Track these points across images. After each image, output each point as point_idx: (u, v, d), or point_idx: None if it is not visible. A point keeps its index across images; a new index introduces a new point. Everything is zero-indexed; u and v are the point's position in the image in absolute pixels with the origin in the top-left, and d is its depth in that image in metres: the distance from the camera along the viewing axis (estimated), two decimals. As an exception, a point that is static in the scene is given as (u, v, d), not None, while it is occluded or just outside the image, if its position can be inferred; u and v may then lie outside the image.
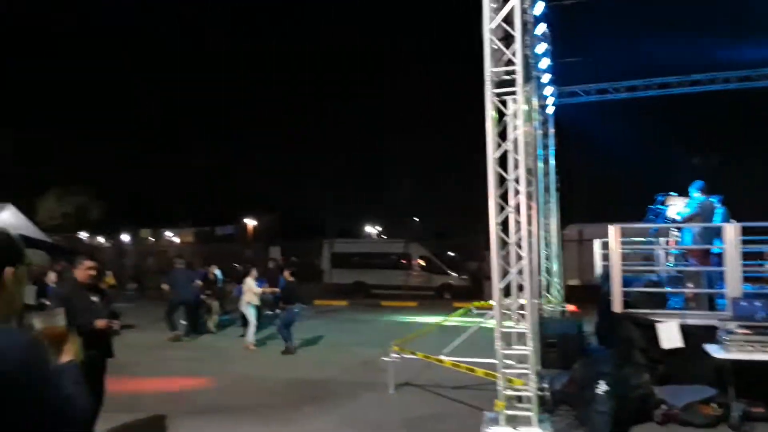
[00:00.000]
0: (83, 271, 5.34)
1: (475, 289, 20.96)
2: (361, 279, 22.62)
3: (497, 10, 5.38)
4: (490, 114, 5.45)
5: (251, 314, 11.23)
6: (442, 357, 7.32)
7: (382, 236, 40.81)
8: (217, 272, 14.38)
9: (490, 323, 6.73)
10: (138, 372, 8.60)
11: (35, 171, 31.32)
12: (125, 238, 34.94)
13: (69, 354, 1.85)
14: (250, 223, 32.77)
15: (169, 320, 12.30)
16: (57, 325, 1.89)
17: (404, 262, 22.88)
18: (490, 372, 5.92)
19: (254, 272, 11.78)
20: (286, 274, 11.22)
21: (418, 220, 38.02)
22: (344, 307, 19.52)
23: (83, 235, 32.93)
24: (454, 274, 22.64)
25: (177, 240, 37.94)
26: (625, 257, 7.50)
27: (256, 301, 11.42)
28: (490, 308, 10.10)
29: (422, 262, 22.99)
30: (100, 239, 34.52)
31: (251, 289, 11.45)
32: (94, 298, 5.32)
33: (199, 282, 12.76)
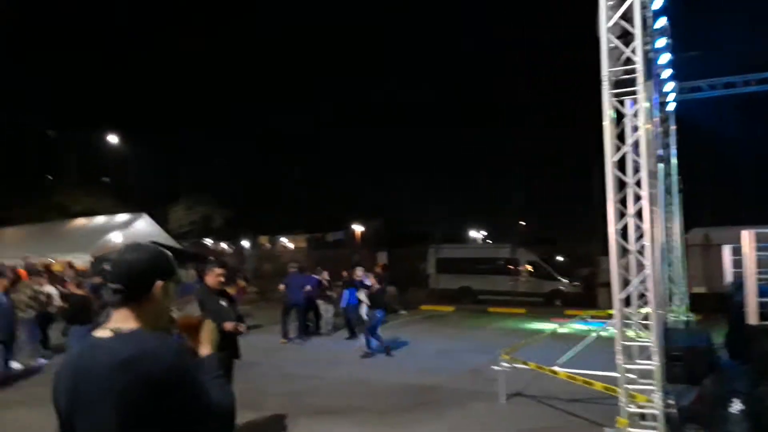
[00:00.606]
0: (214, 277, 5.77)
1: (588, 297, 20.07)
2: (467, 284, 22.41)
3: (614, 8, 5.15)
4: (608, 115, 5.22)
5: (369, 318, 11.45)
6: (556, 368, 7.09)
7: (488, 241, 40.19)
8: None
9: (609, 332, 6.43)
10: (259, 372, 9.10)
11: (168, 183, 34.34)
12: (245, 243, 37.27)
13: (208, 345, 1.95)
14: (358, 228, 33.60)
15: (283, 324, 13.00)
16: (192, 314, 2.03)
17: (511, 267, 22.37)
18: (610, 386, 5.66)
19: (372, 279, 11.99)
20: (373, 280, 11.54)
21: (524, 223, 37.03)
22: (450, 312, 19.45)
23: (208, 241, 35.49)
24: (564, 280, 21.80)
25: (291, 245, 39.81)
26: (760, 264, 6.86)
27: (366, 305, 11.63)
28: (606, 317, 9.67)
29: (530, 268, 22.35)
30: (223, 245, 37.07)
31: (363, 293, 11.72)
32: (223, 303, 5.73)
33: (308, 287, 13.33)
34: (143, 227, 19.92)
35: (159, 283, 1.79)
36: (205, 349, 1.94)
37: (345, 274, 14.46)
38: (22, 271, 14.63)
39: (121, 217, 21.00)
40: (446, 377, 9.03)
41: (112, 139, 28.64)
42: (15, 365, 9.63)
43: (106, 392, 1.60)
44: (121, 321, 1.74)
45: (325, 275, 14.55)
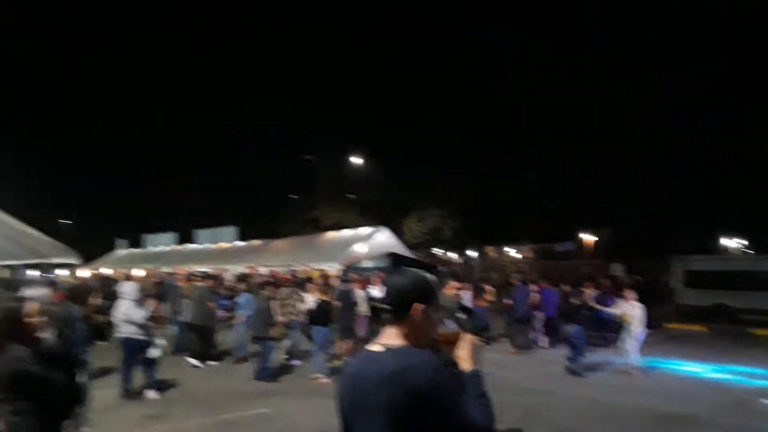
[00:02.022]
0: (450, 290, 6.12)
1: None
2: (722, 301, 19.64)
3: None
4: None
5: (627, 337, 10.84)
6: None
7: (747, 251, 34.79)
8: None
9: None
10: (492, 383, 9.19)
11: (402, 197, 36.99)
12: (472, 253, 38.08)
13: (469, 361, 2.03)
14: (589, 238, 31.75)
15: (511, 335, 13.21)
16: (451, 331, 2.11)
17: (781, 283, 18.98)
18: None
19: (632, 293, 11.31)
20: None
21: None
22: (702, 332, 17.28)
23: (437, 251, 37.09)
24: None
25: (518, 256, 39.40)
26: None
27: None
28: None
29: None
30: (451, 255, 38.37)
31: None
32: (460, 315, 6.03)
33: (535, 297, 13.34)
34: (383, 239, 21.55)
35: (418, 306, 1.94)
36: (465, 365, 2.02)
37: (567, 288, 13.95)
38: (287, 277, 17.03)
39: (365, 230, 23.03)
40: (704, 408, 8.05)
41: (357, 160, 31.91)
42: (296, 362, 11.25)
43: (376, 401, 1.80)
44: (390, 338, 1.95)
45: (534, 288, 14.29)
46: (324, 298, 10.63)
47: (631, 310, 10.67)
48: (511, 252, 40.57)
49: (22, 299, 3.72)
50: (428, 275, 2.05)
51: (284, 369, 10.84)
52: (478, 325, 6.22)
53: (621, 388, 9.48)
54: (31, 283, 13.70)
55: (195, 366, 11.07)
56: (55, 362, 3.65)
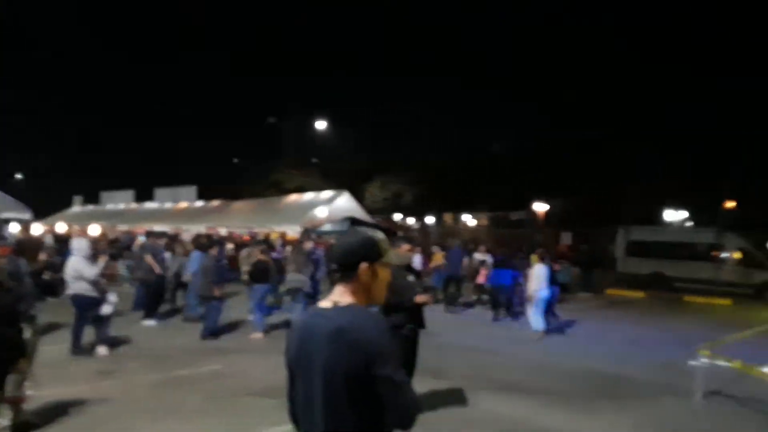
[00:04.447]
0: (402, 251, 6.26)
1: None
2: (660, 270, 20.67)
3: None
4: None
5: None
6: None
7: (687, 223, 36.39)
8: (486, 256, 15.13)
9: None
10: (440, 343, 9.57)
11: (366, 163, 36.85)
12: (430, 220, 38.58)
13: None
14: (541, 208, 32.51)
15: (444, 293, 14.35)
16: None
17: (716, 253, 20.11)
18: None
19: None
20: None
21: (735, 205, 32.54)
22: (640, 299, 18.25)
23: (397, 217, 37.36)
24: (781, 271, 18.99)
25: (473, 223, 40.09)
26: None
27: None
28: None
29: (739, 255, 19.86)
30: (410, 221, 38.76)
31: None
32: (410, 277, 6.21)
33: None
34: (344, 203, 21.62)
35: (364, 265, 1.98)
36: None
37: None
38: (247, 238, 17.02)
39: (326, 194, 23.01)
40: (634, 368, 8.65)
41: (320, 124, 31.39)
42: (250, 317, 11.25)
43: (319, 355, 1.87)
44: (339, 295, 1.98)
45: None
46: (261, 258, 10.86)
47: (533, 272, 11.08)
48: (469, 220, 41.20)
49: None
50: (376, 234, 2.07)
51: (236, 327, 10.96)
52: (425, 285, 6.41)
53: (560, 349, 10.02)
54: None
55: (148, 324, 11.04)
56: (1, 317, 3.62)
